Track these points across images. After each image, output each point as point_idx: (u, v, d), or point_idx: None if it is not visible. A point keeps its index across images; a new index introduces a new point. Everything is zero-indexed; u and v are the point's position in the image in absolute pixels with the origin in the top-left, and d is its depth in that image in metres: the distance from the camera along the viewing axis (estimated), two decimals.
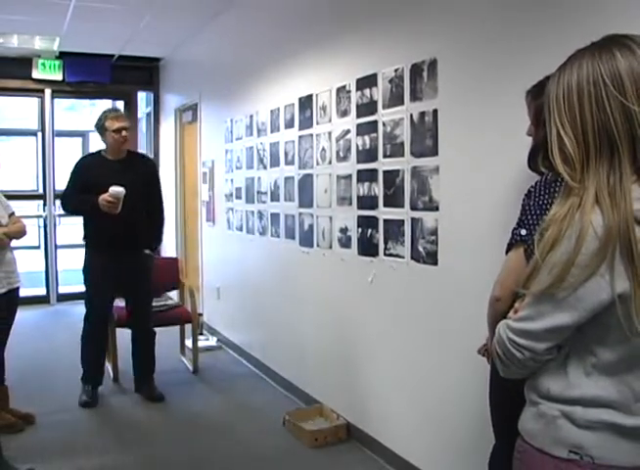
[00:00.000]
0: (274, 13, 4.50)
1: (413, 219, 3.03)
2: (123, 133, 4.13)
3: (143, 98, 8.19)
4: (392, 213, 3.17)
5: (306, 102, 4.00)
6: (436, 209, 2.87)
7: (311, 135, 3.95)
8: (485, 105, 2.60)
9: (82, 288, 4.37)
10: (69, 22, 5.68)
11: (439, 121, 2.84)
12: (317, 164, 3.90)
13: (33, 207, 7.68)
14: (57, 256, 7.59)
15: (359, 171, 3.45)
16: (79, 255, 4.46)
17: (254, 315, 5.02)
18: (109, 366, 4.72)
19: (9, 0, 5.09)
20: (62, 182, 5.09)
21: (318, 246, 3.93)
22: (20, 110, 8.32)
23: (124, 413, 4.10)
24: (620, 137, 1.12)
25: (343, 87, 3.58)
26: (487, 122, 2.59)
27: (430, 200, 2.91)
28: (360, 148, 3.43)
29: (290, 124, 4.23)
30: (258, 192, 4.79)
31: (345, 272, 3.64)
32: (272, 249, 4.58)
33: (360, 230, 3.46)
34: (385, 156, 3.22)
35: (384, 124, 3.22)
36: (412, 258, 3.05)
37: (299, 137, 4.11)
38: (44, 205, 7.49)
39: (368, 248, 3.39)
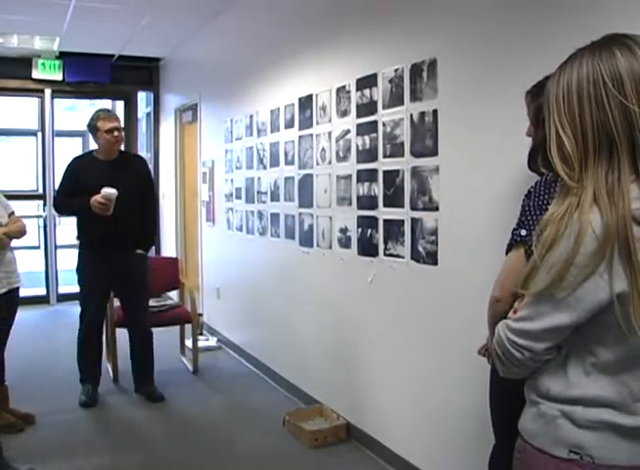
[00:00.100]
0: (274, 13, 4.50)
1: (413, 219, 3.03)
2: (115, 134, 4.12)
3: (143, 98, 8.20)
4: (392, 214, 3.17)
5: (306, 102, 4.00)
6: (436, 209, 2.87)
7: (311, 135, 3.95)
8: (485, 105, 2.60)
9: None
10: (69, 22, 5.68)
11: (439, 121, 2.84)
12: (317, 164, 3.90)
13: (33, 207, 7.69)
14: (57, 256, 7.58)
15: (359, 171, 3.45)
16: None
17: (254, 315, 5.02)
18: (108, 366, 4.72)
19: (9, 0, 5.09)
20: None
21: (318, 246, 3.93)
22: (20, 110, 8.32)
23: (124, 413, 4.10)
24: (620, 137, 1.12)
25: (343, 87, 3.58)
26: (487, 122, 2.59)
27: (429, 200, 2.91)
28: (360, 148, 3.43)
29: (290, 124, 4.23)
30: (258, 192, 4.79)
31: (345, 272, 3.64)
32: (272, 249, 4.58)
33: (360, 230, 3.46)
34: (384, 156, 3.22)
35: (384, 124, 3.22)
36: (412, 258, 3.05)
37: (299, 137, 4.11)
38: (44, 205, 7.49)
39: (368, 248, 3.39)
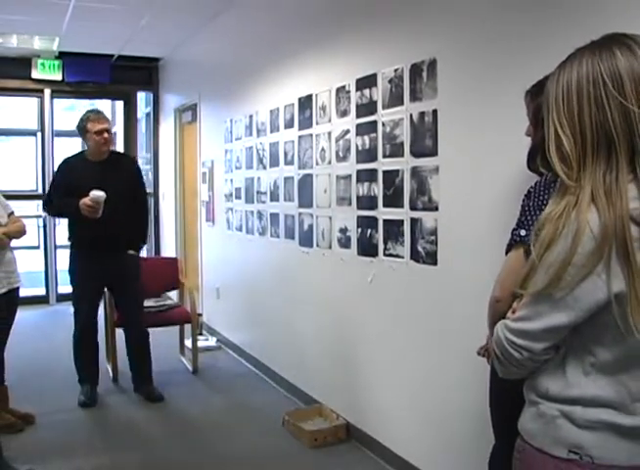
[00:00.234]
0: (274, 13, 4.50)
1: (413, 219, 3.03)
2: (105, 135, 4.09)
3: (142, 98, 8.19)
4: (392, 214, 3.17)
5: (306, 102, 4.00)
6: (436, 209, 2.87)
7: (311, 135, 3.95)
8: (485, 105, 2.60)
9: None
10: (69, 22, 5.68)
11: (439, 122, 2.84)
12: (317, 164, 3.90)
13: (33, 207, 7.69)
14: (56, 256, 7.58)
15: (359, 171, 3.45)
16: None
17: (254, 315, 5.02)
18: (108, 366, 4.72)
19: (9, 0, 5.08)
20: None
21: (318, 246, 3.93)
22: (19, 110, 8.31)
23: (124, 413, 4.10)
24: (618, 136, 1.12)
25: (343, 87, 3.58)
26: (487, 122, 2.59)
27: (429, 200, 2.91)
28: (360, 148, 3.43)
29: (289, 124, 4.23)
30: (258, 192, 4.79)
31: (345, 272, 3.64)
32: (272, 249, 4.58)
33: (360, 230, 3.46)
34: (384, 156, 3.22)
35: (383, 124, 3.22)
36: (412, 258, 3.05)
37: (299, 137, 4.11)
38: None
39: (368, 248, 3.39)
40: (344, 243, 3.61)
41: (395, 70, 3.11)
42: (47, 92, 7.38)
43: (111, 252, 4.15)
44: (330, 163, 3.74)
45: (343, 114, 3.58)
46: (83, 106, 9.46)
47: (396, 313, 3.22)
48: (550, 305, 1.15)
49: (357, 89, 3.44)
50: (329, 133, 3.74)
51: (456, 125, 2.76)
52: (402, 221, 3.10)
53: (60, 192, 4.13)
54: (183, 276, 5.43)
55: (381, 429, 3.40)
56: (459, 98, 2.73)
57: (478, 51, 2.62)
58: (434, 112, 2.86)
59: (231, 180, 5.38)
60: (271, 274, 4.63)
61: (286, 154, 4.30)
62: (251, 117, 4.89)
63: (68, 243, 4.33)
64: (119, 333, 4.52)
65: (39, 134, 7.55)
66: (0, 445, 3.10)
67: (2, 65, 6.96)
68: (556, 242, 1.12)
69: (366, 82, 3.36)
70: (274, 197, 4.50)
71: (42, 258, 7.73)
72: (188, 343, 5.12)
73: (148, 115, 8.09)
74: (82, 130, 4.12)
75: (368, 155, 3.36)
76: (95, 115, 4.17)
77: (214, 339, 5.79)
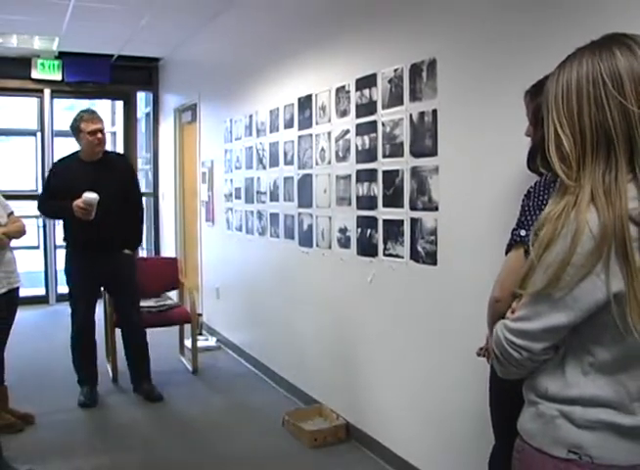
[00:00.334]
0: (274, 13, 4.50)
1: (412, 219, 3.03)
2: (99, 135, 4.07)
3: (142, 98, 8.19)
4: (392, 214, 3.17)
5: (306, 102, 4.00)
6: (436, 209, 2.87)
7: (311, 135, 3.95)
8: (485, 105, 2.60)
9: None
10: (69, 22, 5.68)
11: (439, 121, 2.84)
12: (316, 164, 3.90)
13: (33, 207, 7.64)
14: (56, 256, 7.57)
15: (358, 171, 3.45)
16: None
17: (254, 315, 5.02)
18: (108, 367, 4.72)
19: (8, 0, 5.08)
20: None
21: (317, 246, 3.93)
22: (19, 110, 8.31)
23: (123, 414, 4.10)
24: (618, 136, 1.12)
25: (343, 87, 3.58)
26: (487, 122, 2.59)
27: (429, 200, 2.91)
28: (360, 148, 3.43)
29: (289, 124, 4.23)
30: (258, 192, 4.79)
31: (345, 272, 3.64)
32: (271, 249, 4.58)
33: (359, 230, 3.46)
34: (384, 156, 3.22)
35: (383, 124, 3.22)
36: (411, 258, 3.05)
37: (299, 137, 4.11)
38: None
39: (367, 248, 3.39)
40: (344, 243, 3.61)
41: (395, 70, 3.11)
42: (47, 92, 7.38)
43: (105, 252, 4.14)
44: (330, 163, 3.74)
45: (343, 114, 3.58)
46: (83, 106, 9.46)
47: (396, 313, 3.22)
48: (549, 306, 1.15)
49: (357, 89, 3.44)
50: (329, 133, 3.74)
51: (456, 125, 2.76)
52: (402, 221, 3.10)
53: (53, 193, 4.12)
54: (183, 276, 5.43)
55: (381, 429, 3.40)
56: (459, 98, 2.73)
57: (477, 51, 2.62)
58: (434, 112, 2.86)
59: (231, 180, 5.38)
60: (271, 274, 4.63)
61: (285, 154, 4.30)
62: (250, 116, 4.89)
63: (64, 243, 4.32)
64: (119, 333, 4.51)
65: (39, 134, 7.56)
66: (0, 444, 3.09)
67: (2, 65, 6.96)
68: (555, 242, 1.12)
69: (366, 82, 3.36)
70: (274, 197, 4.50)
71: (42, 258, 7.74)
72: (188, 343, 5.12)
73: (148, 115, 8.09)
74: (76, 130, 4.09)
75: (368, 155, 3.36)
76: (89, 114, 4.14)
77: (214, 339, 5.80)
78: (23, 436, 3.65)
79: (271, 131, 4.52)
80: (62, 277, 7.46)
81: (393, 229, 3.16)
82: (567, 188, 1.15)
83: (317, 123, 3.88)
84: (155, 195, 7.96)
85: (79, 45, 6.78)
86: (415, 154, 2.99)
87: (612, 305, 1.10)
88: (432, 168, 2.89)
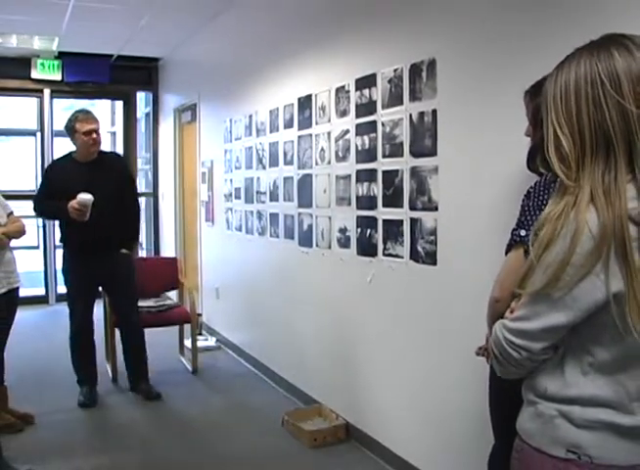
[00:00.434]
0: (273, 13, 4.50)
1: (412, 219, 3.03)
2: (94, 135, 4.06)
3: (142, 98, 8.19)
4: (392, 214, 3.17)
5: (305, 102, 4.00)
6: (436, 209, 2.87)
7: (310, 135, 3.95)
8: (485, 105, 2.60)
9: None
10: (68, 22, 5.68)
11: (438, 121, 2.84)
12: (316, 164, 3.90)
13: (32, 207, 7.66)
14: (56, 256, 7.56)
15: (358, 171, 3.45)
16: None
17: (254, 315, 5.02)
18: (107, 367, 4.72)
19: (8, 0, 5.08)
20: None
21: (317, 246, 3.93)
22: (19, 110, 8.31)
23: (123, 414, 4.10)
24: (617, 137, 1.12)
25: (343, 87, 3.58)
26: (487, 122, 2.59)
27: (429, 200, 2.91)
28: (359, 148, 3.43)
29: (289, 124, 4.23)
30: (257, 192, 4.79)
31: (344, 272, 3.64)
32: (271, 249, 4.58)
33: (359, 230, 3.46)
34: (384, 156, 3.22)
35: (383, 124, 3.22)
36: (411, 258, 3.05)
37: (299, 137, 4.11)
38: None
39: (367, 248, 3.39)
40: (344, 243, 3.61)
41: (395, 70, 3.11)
42: (46, 92, 7.38)
43: (102, 252, 4.13)
44: (329, 163, 3.74)
45: (343, 114, 3.58)
46: (83, 106, 9.47)
47: (396, 313, 3.22)
48: (548, 305, 1.15)
49: (357, 89, 3.44)
50: (328, 133, 3.74)
51: (455, 125, 2.76)
52: (402, 221, 3.10)
53: (48, 194, 4.11)
54: (183, 276, 5.43)
55: (380, 429, 3.40)
56: (458, 98, 2.73)
57: (477, 51, 2.62)
58: (434, 112, 2.86)
59: (230, 180, 5.38)
60: (271, 274, 4.63)
61: (285, 154, 4.30)
62: (250, 116, 4.89)
63: (61, 244, 4.32)
64: (119, 333, 4.51)
65: (39, 134, 7.55)
66: (0, 444, 3.09)
67: (2, 65, 6.95)
68: (554, 242, 1.12)
69: (366, 82, 3.36)
70: (273, 197, 4.50)
71: (41, 257, 7.74)
72: (187, 343, 5.12)
73: (147, 115, 8.09)
74: (70, 130, 4.08)
75: (367, 155, 3.36)
76: (83, 115, 4.12)
77: (214, 339, 5.79)
78: (23, 436, 3.65)
79: (271, 131, 4.52)
80: (61, 277, 7.54)
81: (393, 229, 3.16)
82: (566, 188, 1.16)
83: (317, 123, 3.88)
84: (154, 195, 7.96)
85: (79, 45, 6.78)
86: (415, 154, 2.99)
87: (611, 305, 1.10)
88: (431, 168, 2.89)
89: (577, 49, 1.20)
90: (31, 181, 7.86)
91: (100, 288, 4.42)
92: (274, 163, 4.47)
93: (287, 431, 3.73)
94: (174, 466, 3.39)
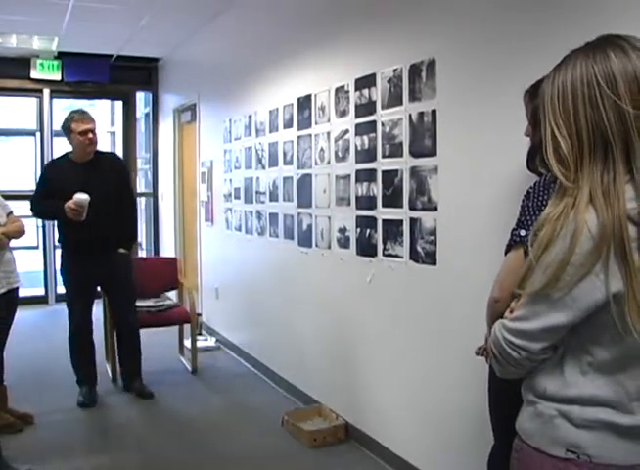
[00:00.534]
0: (273, 13, 4.50)
1: (412, 219, 3.03)
2: (90, 135, 4.05)
3: (142, 98, 8.20)
4: (391, 214, 3.17)
5: (305, 102, 4.00)
6: (435, 209, 2.87)
7: (310, 135, 3.95)
8: (484, 105, 2.60)
9: None
10: (68, 22, 5.68)
11: (438, 122, 2.84)
12: (316, 164, 3.90)
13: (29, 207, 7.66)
14: (55, 256, 7.56)
15: (358, 171, 3.45)
16: None
17: (253, 315, 5.02)
18: (107, 367, 4.72)
19: (8, 0, 5.08)
20: None
21: (317, 246, 3.93)
22: (18, 110, 8.31)
23: (122, 414, 4.10)
24: (614, 137, 1.12)
25: (342, 87, 3.58)
26: (486, 122, 2.59)
27: (428, 200, 2.91)
28: (359, 148, 3.43)
29: (288, 124, 4.23)
30: (257, 192, 4.79)
31: (344, 272, 3.64)
32: (271, 249, 4.58)
33: (359, 230, 3.46)
34: (383, 156, 3.22)
35: (382, 124, 3.22)
36: (411, 258, 3.05)
37: (298, 137, 4.11)
38: None
39: (367, 248, 3.39)
40: (344, 243, 3.61)
41: (394, 71, 3.11)
42: (46, 92, 7.38)
43: (99, 252, 4.13)
44: (329, 163, 3.74)
45: (343, 114, 3.58)
46: (82, 106, 9.48)
47: (395, 313, 3.22)
48: (548, 306, 1.15)
49: (356, 89, 3.44)
50: (328, 133, 3.74)
51: (455, 125, 2.76)
52: (401, 221, 3.10)
53: (45, 194, 4.11)
54: (182, 276, 5.44)
55: (380, 429, 3.40)
56: (458, 98, 2.73)
57: (477, 51, 2.63)
58: (434, 112, 2.86)
59: (230, 180, 5.38)
60: (270, 274, 4.63)
61: (285, 154, 4.30)
62: (250, 117, 4.89)
63: (59, 244, 4.32)
64: None
65: (38, 134, 7.55)
66: None
67: (1, 65, 6.95)
68: (554, 242, 1.13)
69: (365, 82, 3.36)
70: (273, 197, 4.50)
71: (41, 257, 7.74)
72: (187, 343, 5.11)
73: (147, 115, 8.09)
74: (67, 130, 4.08)
75: (367, 155, 3.36)
76: (80, 115, 4.12)
77: (213, 339, 5.79)
78: (23, 436, 3.65)
79: (270, 131, 4.52)
80: (60, 277, 7.53)
81: (393, 229, 3.17)
82: (565, 190, 1.16)
83: (316, 123, 3.88)
84: (154, 195, 7.96)
85: (79, 45, 6.78)
86: (414, 154, 2.99)
87: (611, 305, 1.11)
88: (431, 168, 2.89)
89: (573, 51, 1.20)
90: (31, 181, 7.84)
91: (98, 288, 4.42)
92: (274, 163, 4.47)
93: (286, 431, 3.73)
94: (174, 466, 3.39)
